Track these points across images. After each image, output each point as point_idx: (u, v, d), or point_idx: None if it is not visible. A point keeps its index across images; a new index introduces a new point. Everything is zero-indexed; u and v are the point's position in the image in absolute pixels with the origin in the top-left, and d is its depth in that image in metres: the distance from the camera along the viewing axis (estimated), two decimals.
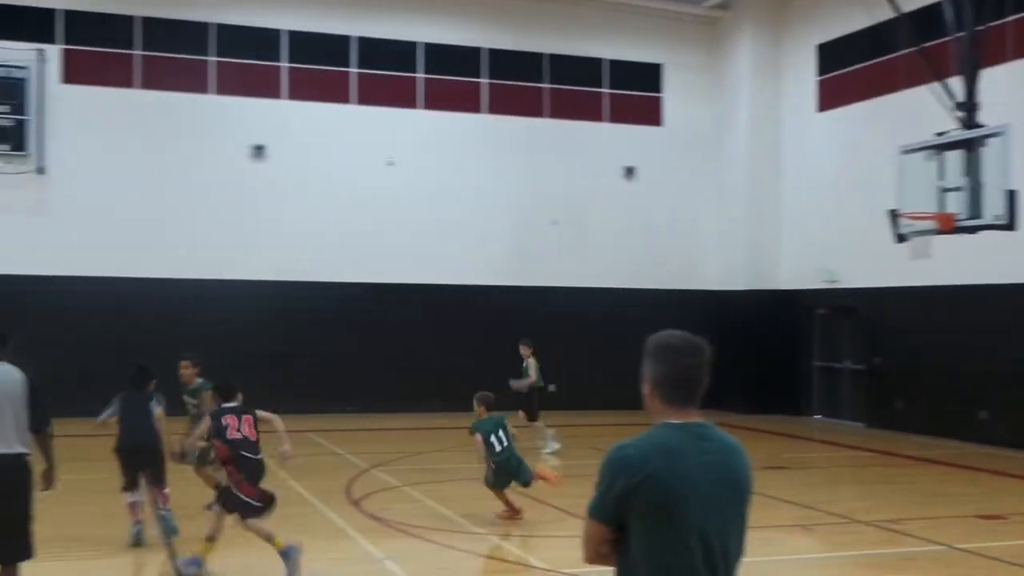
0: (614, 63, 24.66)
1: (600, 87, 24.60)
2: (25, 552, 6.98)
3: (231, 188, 21.83)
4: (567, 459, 16.10)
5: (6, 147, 20.51)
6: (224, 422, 8.88)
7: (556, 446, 16.87)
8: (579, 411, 21.96)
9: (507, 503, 11.41)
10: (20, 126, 20.59)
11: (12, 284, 20.05)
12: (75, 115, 20.99)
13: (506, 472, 11.30)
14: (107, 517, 10.91)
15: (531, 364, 16.97)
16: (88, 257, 20.78)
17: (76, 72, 21.19)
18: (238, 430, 8.85)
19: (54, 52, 21.01)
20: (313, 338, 21.89)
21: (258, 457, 8.93)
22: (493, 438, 11.25)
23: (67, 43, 21.17)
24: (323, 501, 12.32)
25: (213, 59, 22.06)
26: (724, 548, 3.57)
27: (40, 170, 20.69)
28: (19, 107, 20.58)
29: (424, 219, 22.85)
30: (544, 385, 17.25)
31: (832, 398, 22.97)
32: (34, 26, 20.86)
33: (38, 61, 20.73)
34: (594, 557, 3.64)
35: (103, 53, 21.46)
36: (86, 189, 20.96)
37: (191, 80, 21.86)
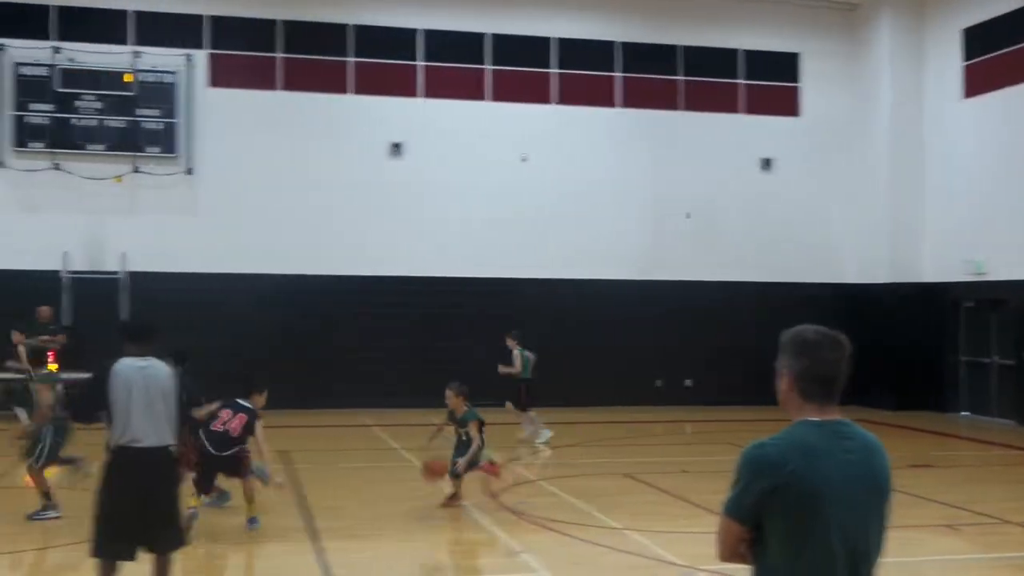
0: (749, 53, 24.30)
1: (735, 78, 24.27)
2: (179, 540, 7.33)
3: (370, 185, 22.30)
4: (706, 454, 15.99)
5: (157, 149, 21.37)
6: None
7: (548, 435, 17.33)
8: (719, 407, 21.80)
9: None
10: (170, 129, 21.43)
11: (164, 281, 20.89)
12: (221, 117, 21.73)
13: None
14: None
15: (516, 356, 17.49)
16: (234, 254, 21.49)
17: (222, 76, 21.93)
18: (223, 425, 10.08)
19: (201, 57, 21.78)
20: (447, 333, 22.21)
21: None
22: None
23: (213, 48, 21.92)
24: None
25: (352, 60, 22.55)
26: (865, 549, 3.53)
27: (189, 171, 21.51)
28: (169, 111, 21.42)
29: (556, 214, 22.94)
30: (531, 377, 17.56)
31: (980, 394, 22.21)
32: (182, 33, 21.66)
33: (186, 66, 21.54)
34: (730, 556, 3.62)
35: (247, 57, 22.15)
36: (232, 188, 21.68)
37: (331, 81, 22.40)
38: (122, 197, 21.24)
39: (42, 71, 20.89)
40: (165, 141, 21.42)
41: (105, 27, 21.33)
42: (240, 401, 10.05)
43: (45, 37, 21.03)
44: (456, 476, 11.60)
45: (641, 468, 14.61)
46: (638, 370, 22.92)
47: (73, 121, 21.02)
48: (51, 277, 20.60)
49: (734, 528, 3.56)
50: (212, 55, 21.92)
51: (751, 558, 3.59)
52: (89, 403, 7.22)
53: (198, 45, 21.83)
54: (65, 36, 21.13)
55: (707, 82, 24.11)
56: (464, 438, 11.78)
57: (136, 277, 20.96)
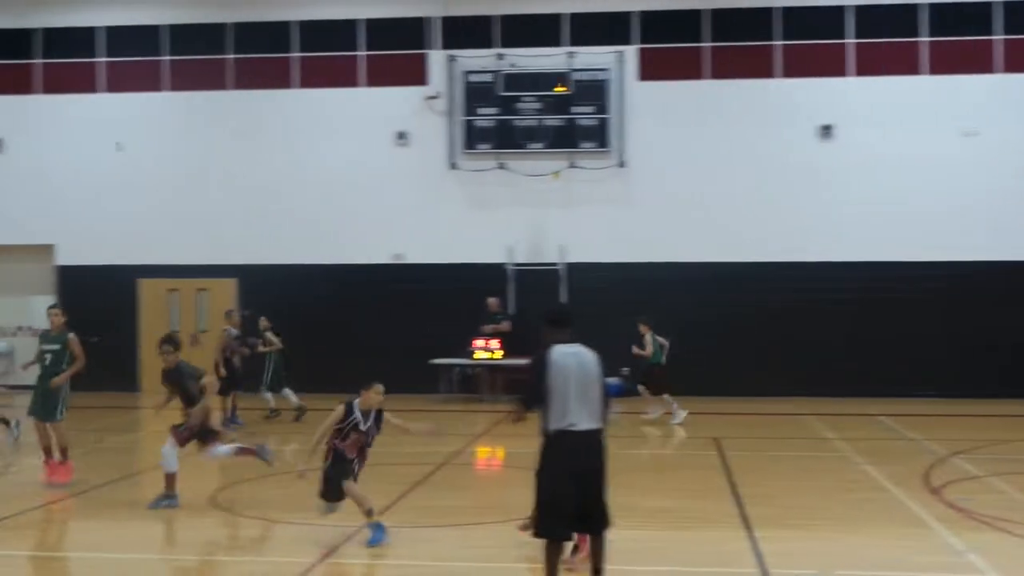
0: None
1: None
2: (610, 520, 7.67)
3: (799, 170, 21.92)
4: None
5: (591, 144, 22.31)
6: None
7: (683, 414, 17.91)
8: None
9: None
10: (602, 124, 22.30)
11: (599, 271, 21.88)
12: (651, 110, 22.28)
13: None
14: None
15: (647, 340, 18.16)
16: (667, 243, 21.97)
17: (651, 69, 22.47)
18: None
19: (631, 52, 22.45)
20: (888, 320, 21.37)
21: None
22: None
23: (642, 43, 22.51)
24: (899, 487, 12.05)
25: (778, 43, 22.26)
26: None
27: (621, 164, 22.26)
28: (601, 107, 22.28)
29: (1006, 189, 21.33)
30: (659, 361, 18.21)
31: None
32: (613, 30, 22.45)
33: (617, 62, 22.30)
34: None
35: (674, 49, 22.53)
36: (662, 178, 22.17)
37: (757, 66, 22.23)
38: (560, 192, 22.40)
39: (487, 77, 22.50)
40: (598, 136, 22.31)
41: (542, 31, 22.58)
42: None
43: (489, 45, 22.63)
44: None
45: None
46: None
47: (515, 122, 22.46)
48: (498, 269, 22.18)
49: None
50: (642, 50, 22.51)
51: None
52: (533, 390, 7.43)
53: (627, 41, 22.51)
54: (507, 43, 22.60)
55: None
56: None
57: (573, 268, 22.06)
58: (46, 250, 23.68)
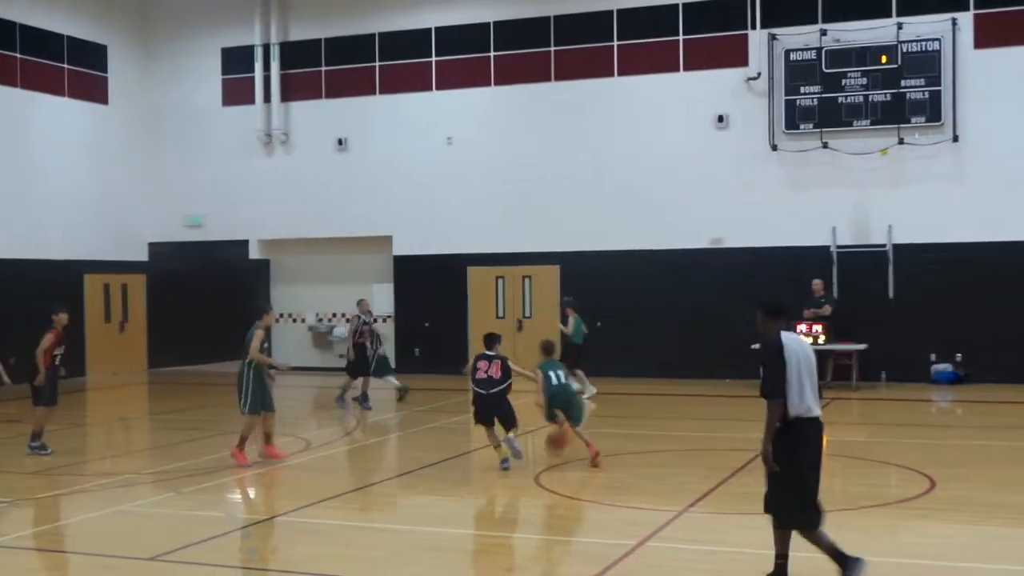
0: None
1: None
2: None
3: None
4: None
5: (921, 118, 21.17)
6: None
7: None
8: None
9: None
10: (935, 97, 21.10)
11: (929, 252, 20.82)
12: (988, 80, 20.88)
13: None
14: None
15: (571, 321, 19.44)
16: (1006, 223, 20.59)
17: (988, 36, 21.02)
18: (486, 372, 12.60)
19: (966, 19, 21.10)
20: None
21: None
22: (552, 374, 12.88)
23: (979, 8, 21.10)
24: None
25: None
26: None
27: (955, 138, 20.99)
28: (933, 79, 21.09)
29: None
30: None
31: None
32: None
33: (952, 31, 21.03)
34: None
35: (1017, 12, 20.97)
36: (1002, 154, 20.74)
37: None
38: (886, 170, 21.44)
39: (810, 55, 21.86)
40: (930, 110, 21.15)
41: (867, 4, 21.66)
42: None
43: (812, 21, 21.96)
44: None
45: None
46: None
47: (839, 99, 21.70)
48: (820, 252, 21.55)
49: None
50: (978, 16, 21.12)
51: None
52: (776, 379, 7.32)
53: (963, 7, 21.18)
54: (829, 18, 21.86)
55: None
56: None
57: (901, 249, 21.08)
58: (385, 241, 25.33)
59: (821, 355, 20.48)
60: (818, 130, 21.78)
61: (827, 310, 20.75)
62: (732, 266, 22.20)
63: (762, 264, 21.84)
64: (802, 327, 20.57)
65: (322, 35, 25.96)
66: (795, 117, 21.99)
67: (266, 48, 26.11)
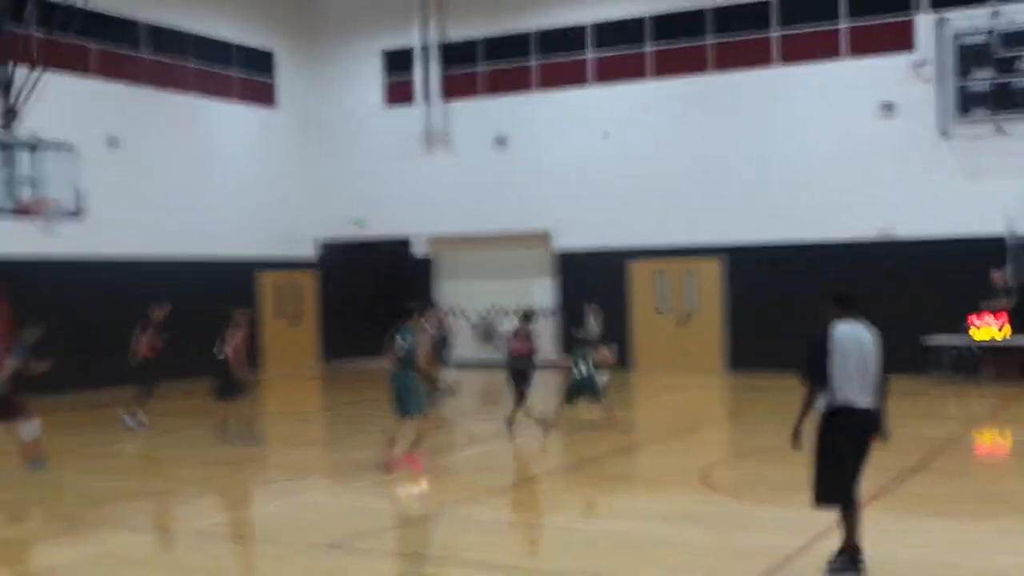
0: None
1: None
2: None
3: None
4: None
5: None
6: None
7: None
8: None
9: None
10: None
11: None
12: None
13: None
14: None
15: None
16: None
17: None
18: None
19: None
20: None
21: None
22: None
23: None
24: None
25: None
26: None
27: None
28: None
29: None
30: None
31: None
32: None
33: None
34: None
35: None
36: None
37: None
38: None
39: (981, 38, 21.01)
40: None
41: None
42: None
43: (983, 2, 21.10)
44: None
45: None
46: None
47: (1015, 83, 20.80)
48: (995, 242, 20.69)
49: None
50: None
51: None
52: (815, 366, 7.60)
53: None
54: None
55: None
56: None
57: None
58: (544, 236, 25.50)
59: (1002, 352, 19.82)
60: (992, 116, 20.92)
61: (1006, 303, 19.91)
62: (901, 256, 21.55)
63: (931, 255, 21.13)
64: (979, 320, 19.85)
65: (480, 34, 26.32)
66: (966, 102, 21.16)
67: (425, 49, 26.62)
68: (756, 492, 11.08)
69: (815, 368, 7.60)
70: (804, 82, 22.79)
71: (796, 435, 7.85)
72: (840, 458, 7.65)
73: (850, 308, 7.81)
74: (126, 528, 10.14)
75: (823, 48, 22.68)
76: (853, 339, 7.63)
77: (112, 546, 9.49)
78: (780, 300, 22.33)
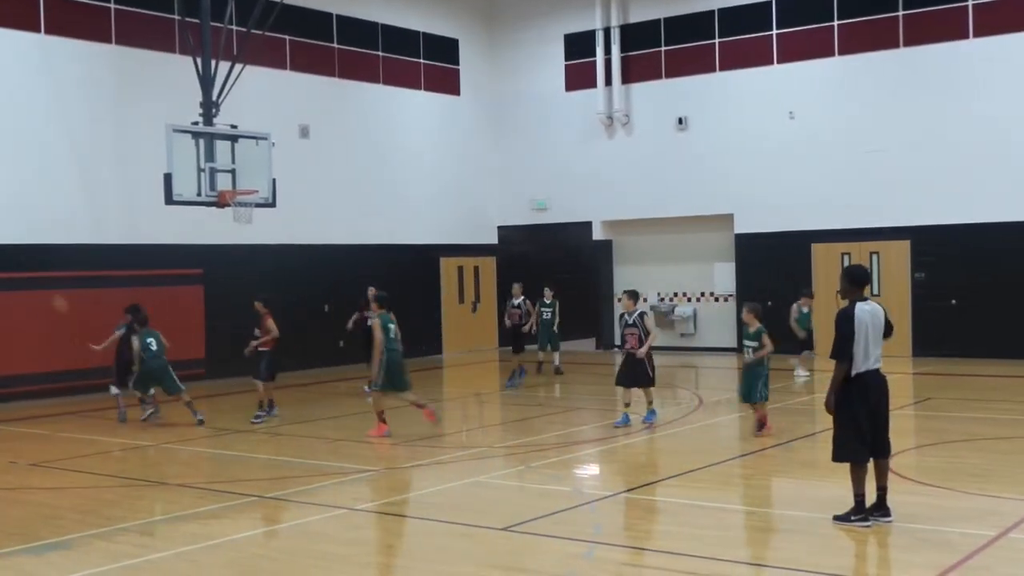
0: None
1: None
2: (889, 448, 9.00)
3: None
4: None
5: None
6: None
7: None
8: None
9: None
10: None
11: None
12: None
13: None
14: None
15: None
16: None
17: None
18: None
19: None
20: None
21: None
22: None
23: None
24: None
25: None
26: None
27: None
28: None
29: None
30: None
31: None
32: None
33: None
34: None
35: None
36: None
37: None
38: None
39: None
40: None
41: None
42: None
43: None
44: None
45: None
46: None
47: None
48: None
49: None
50: None
51: None
52: (845, 343, 8.62)
53: None
54: None
55: None
56: None
57: None
58: (726, 219, 25.13)
59: None
60: None
61: None
62: None
63: None
64: None
65: (661, 15, 26.11)
66: None
67: (607, 32, 26.59)
68: (951, 480, 10.68)
69: (844, 347, 8.63)
70: (1002, 54, 21.73)
71: (829, 403, 8.79)
72: (854, 420, 8.70)
73: (864, 287, 8.90)
74: (312, 504, 10.54)
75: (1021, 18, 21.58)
76: (868, 314, 8.73)
77: (297, 521, 9.89)
78: (972, 284, 21.42)
